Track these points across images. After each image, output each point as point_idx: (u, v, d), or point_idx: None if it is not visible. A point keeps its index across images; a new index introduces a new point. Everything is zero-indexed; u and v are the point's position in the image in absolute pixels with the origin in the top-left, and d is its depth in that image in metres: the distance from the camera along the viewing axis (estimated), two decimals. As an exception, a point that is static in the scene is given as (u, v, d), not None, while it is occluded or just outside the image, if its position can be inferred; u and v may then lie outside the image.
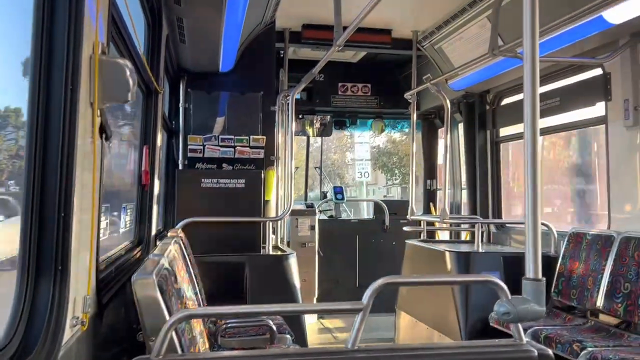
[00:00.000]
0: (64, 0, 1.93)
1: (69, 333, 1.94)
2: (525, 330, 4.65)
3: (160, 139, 4.79)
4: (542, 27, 4.61)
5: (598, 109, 5.55)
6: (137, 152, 4.46)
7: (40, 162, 1.89)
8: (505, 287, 2.07)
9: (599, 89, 5.40)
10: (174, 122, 6.73)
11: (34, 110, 1.89)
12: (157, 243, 4.55)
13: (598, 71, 5.46)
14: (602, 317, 4.94)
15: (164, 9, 4.54)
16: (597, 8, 4.39)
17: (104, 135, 2.30)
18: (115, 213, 3.81)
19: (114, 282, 2.98)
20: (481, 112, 7.58)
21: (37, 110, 1.88)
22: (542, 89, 6.21)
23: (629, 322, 4.57)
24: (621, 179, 5.24)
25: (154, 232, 4.62)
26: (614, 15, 4.48)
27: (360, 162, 25.04)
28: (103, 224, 2.94)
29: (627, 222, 5.08)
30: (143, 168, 4.34)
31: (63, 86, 1.90)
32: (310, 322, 7.95)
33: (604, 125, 5.42)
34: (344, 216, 9.98)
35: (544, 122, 6.31)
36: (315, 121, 9.34)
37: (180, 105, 6.63)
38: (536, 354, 2.04)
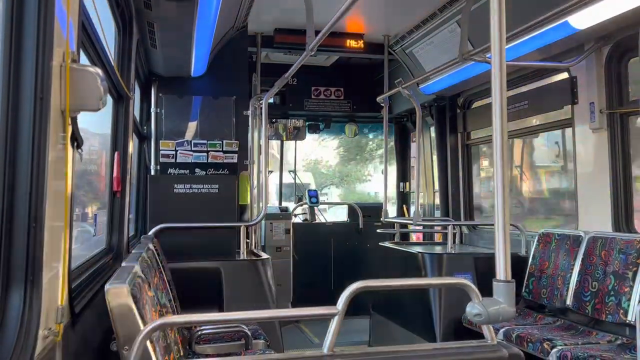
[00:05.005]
0: (33, 8, 1.90)
1: (42, 344, 1.91)
2: (497, 329, 4.74)
3: (131, 144, 4.74)
4: (509, 32, 4.70)
5: (565, 112, 5.68)
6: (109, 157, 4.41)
7: (10, 171, 1.86)
8: (476, 289, 2.10)
9: (566, 93, 5.52)
10: (145, 127, 6.66)
11: (3, 120, 1.86)
12: (130, 250, 4.50)
13: (565, 75, 5.59)
14: (572, 316, 5.05)
15: (135, 14, 4.49)
16: (562, 14, 4.49)
17: (75, 144, 2.28)
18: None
19: (86, 290, 2.94)
20: (452, 116, 7.68)
21: (7, 120, 1.85)
22: (510, 93, 6.33)
23: (597, 319, 4.69)
24: (588, 180, 5.37)
25: (126, 239, 4.57)
26: (579, 21, 4.60)
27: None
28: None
29: (595, 221, 5.20)
30: (114, 174, 4.29)
31: (33, 95, 1.87)
32: (286, 326, 7.94)
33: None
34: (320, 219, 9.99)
35: (513, 125, 6.43)
36: (288, 125, 9.35)
37: (151, 110, 6.59)
38: (507, 354, 2.09)
